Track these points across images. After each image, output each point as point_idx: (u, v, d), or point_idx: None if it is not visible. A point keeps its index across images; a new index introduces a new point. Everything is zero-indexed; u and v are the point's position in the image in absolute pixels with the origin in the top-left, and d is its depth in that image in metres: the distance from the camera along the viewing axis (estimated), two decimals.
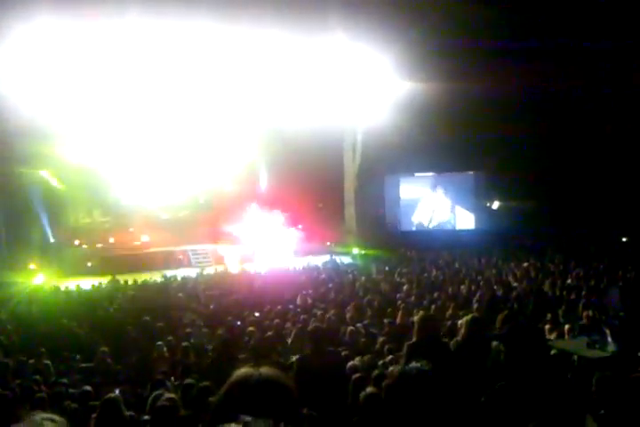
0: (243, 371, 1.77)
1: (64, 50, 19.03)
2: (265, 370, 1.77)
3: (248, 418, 1.58)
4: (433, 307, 8.91)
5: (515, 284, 12.39)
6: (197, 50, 20.32)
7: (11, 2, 16.82)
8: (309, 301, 11.32)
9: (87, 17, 18.13)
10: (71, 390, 5.69)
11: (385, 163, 24.64)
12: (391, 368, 2.68)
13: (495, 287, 11.76)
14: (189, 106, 21.33)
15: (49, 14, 17.79)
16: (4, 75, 18.37)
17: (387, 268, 16.44)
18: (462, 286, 11.99)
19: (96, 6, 17.69)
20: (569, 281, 12.10)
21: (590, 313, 7.72)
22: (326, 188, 25.21)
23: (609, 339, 6.00)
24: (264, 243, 22.36)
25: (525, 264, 15.28)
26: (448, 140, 22.57)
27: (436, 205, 25.76)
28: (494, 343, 4.63)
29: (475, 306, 9.26)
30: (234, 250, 21.42)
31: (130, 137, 22.40)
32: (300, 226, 24.14)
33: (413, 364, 2.19)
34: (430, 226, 25.81)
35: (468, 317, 4.97)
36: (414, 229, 25.76)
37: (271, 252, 21.49)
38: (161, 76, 20.62)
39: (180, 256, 21.36)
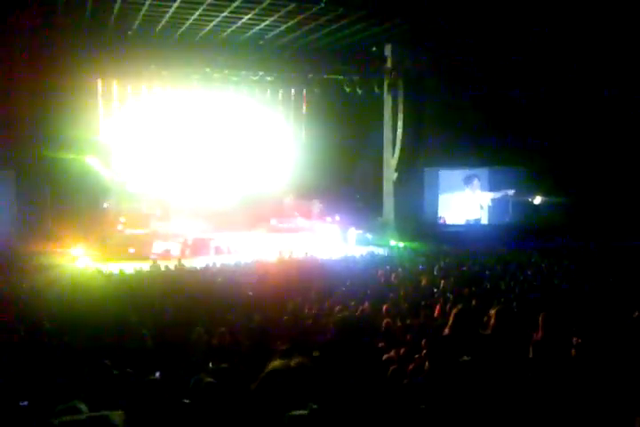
0: (276, 363, 1.84)
1: None
2: (296, 360, 1.83)
3: (315, 405, 1.63)
4: (474, 302, 8.79)
5: (556, 281, 12.16)
6: None
7: None
8: (344, 291, 11.33)
9: None
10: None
11: (425, 156, 24.45)
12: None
13: (535, 284, 11.57)
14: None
15: None
16: None
17: (424, 261, 16.33)
18: (501, 282, 11.83)
19: None
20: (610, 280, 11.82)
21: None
22: (365, 179, 25.17)
23: None
24: (304, 232, 22.48)
25: (566, 262, 14.98)
26: (488, 135, 22.32)
27: (482, 200, 25.39)
28: None
29: (514, 302, 9.11)
30: (273, 239, 21.57)
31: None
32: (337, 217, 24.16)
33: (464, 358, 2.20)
34: (481, 221, 25.39)
35: (496, 308, 4.79)
36: (458, 223, 25.38)
37: (311, 241, 21.56)
38: None
39: (221, 244, 21.59)
